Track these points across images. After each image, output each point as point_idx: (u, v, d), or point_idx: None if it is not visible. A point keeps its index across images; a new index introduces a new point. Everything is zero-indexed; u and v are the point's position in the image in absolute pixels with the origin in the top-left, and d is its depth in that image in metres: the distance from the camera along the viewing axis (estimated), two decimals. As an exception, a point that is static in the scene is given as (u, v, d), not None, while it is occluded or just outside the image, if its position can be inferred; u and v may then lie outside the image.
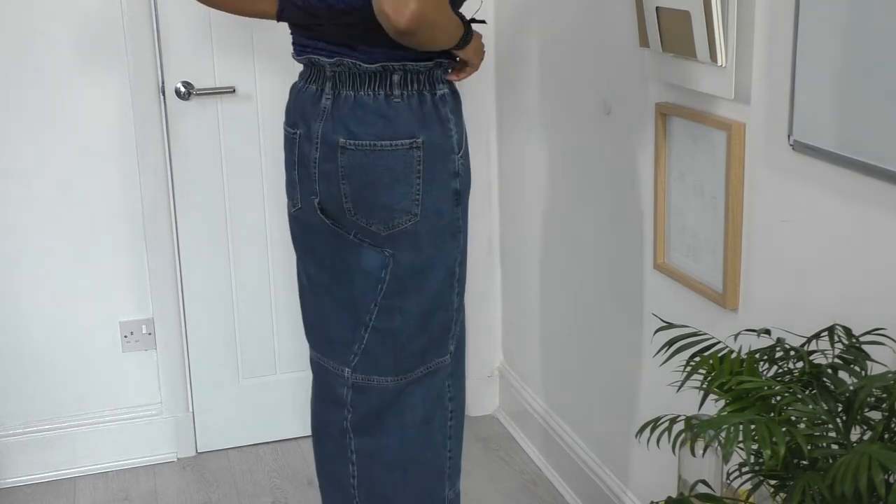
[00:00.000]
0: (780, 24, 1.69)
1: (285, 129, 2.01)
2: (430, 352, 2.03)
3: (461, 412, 2.15)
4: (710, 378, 1.35)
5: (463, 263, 2.05)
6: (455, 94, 1.97)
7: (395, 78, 1.87)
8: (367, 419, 2.02)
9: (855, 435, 1.29)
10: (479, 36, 1.97)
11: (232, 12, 2.15)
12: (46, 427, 2.94)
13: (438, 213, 1.95)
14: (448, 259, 2.00)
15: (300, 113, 1.95)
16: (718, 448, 1.25)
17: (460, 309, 2.08)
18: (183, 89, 2.82)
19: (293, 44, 1.99)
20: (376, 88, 1.87)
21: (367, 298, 1.96)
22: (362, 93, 1.87)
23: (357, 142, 1.87)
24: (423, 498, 2.11)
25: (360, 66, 1.86)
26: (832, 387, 1.31)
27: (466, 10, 1.95)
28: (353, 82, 1.87)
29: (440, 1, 1.72)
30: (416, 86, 1.88)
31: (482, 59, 2.01)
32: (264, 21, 2.12)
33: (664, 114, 2.07)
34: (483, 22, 2.00)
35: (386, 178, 1.88)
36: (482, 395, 3.26)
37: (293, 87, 2.01)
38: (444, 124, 1.93)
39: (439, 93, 1.91)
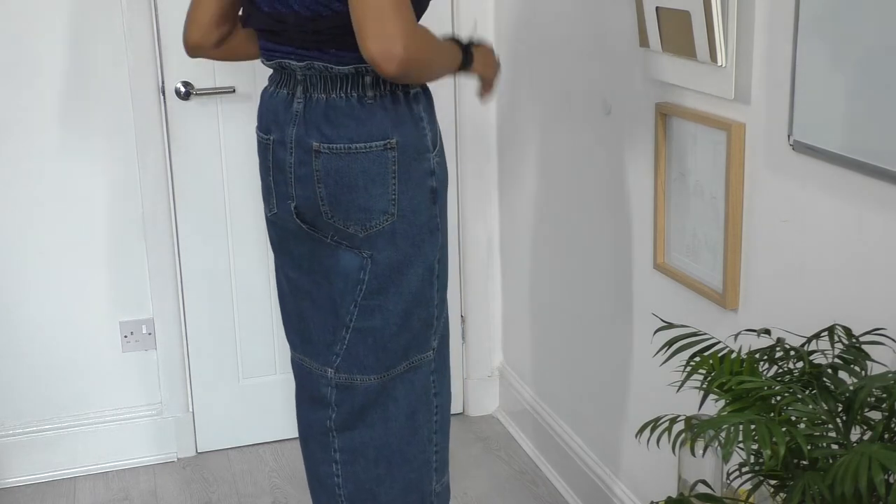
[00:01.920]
0: (780, 24, 1.69)
1: (258, 135, 2.01)
2: (412, 348, 2.04)
3: (447, 407, 2.16)
4: (710, 378, 1.35)
5: (443, 260, 2.04)
6: (427, 93, 1.96)
7: (368, 79, 1.86)
8: (350, 417, 2.03)
9: (855, 435, 1.29)
10: (488, 50, 2.01)
11: (236, 59, 2.18)
12: (46, 427, 2.94)
13: (415, 212, 1.95)
14: (427, 256, 2.00)
15: (273, 118, 1.95)
16: (718, 448, 1.25)
17: (442, 305, 2.08)
18: (183, 89, 2.83)
19: (262, 49, 1.99)
20: (348, 90, 1.87)
21: (347, 299, 1.97)
22: (334, 95, 1.87)
23: (331, 145, 1.88)
24: (409, 492, 2.11)
25: (331, 68, 1.86)
26: (832, 387, 1.31)
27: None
28: (324, 85, 1.87)
29: (425, 40, 1.77)
30: (388, 85, 1.88)
31: (496, 71, 2.04)
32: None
33: (664, 114, 2.07)
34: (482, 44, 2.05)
35: (362, 180, 1.89)
36: (482, 395, 3.26)
37: (264, 92, 2.01)
38: (418, 123, 1.93)
39: (412, 91, 1.91)
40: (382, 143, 1.88)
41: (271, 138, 1.96)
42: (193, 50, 2.09)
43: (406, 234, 1.95)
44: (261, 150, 2.01)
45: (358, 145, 1.88)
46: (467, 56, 1.95)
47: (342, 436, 2.04)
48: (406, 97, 1.90)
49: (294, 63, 1.89)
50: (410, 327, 2.02)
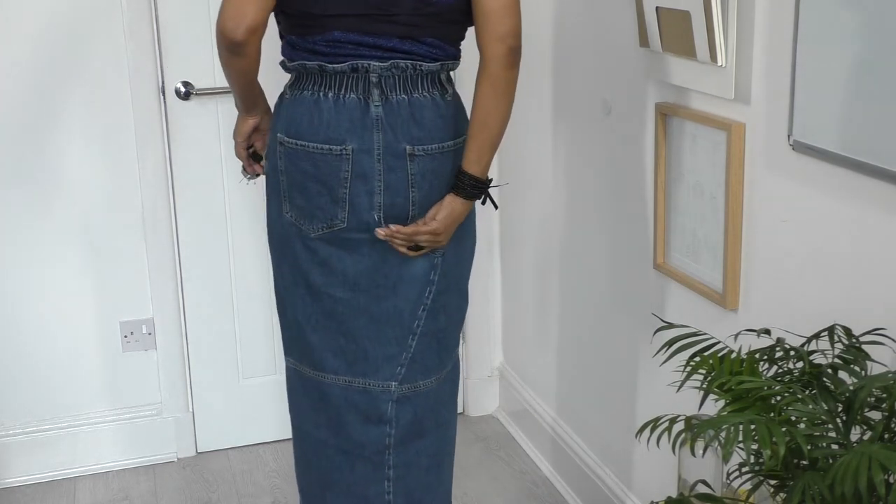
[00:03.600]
0: (780, 24, 1.69)
1: (319, 148, 1.86)
2: (456, 343, 2.08)
3: None
4: (710, 378, 1.35)
5: None
6: None
7: (444, 76, 1.89)
8: (409, 430, 2.00)
9: (855, 435, 1.29)
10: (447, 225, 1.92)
11: (248, 75, 1.97)
12: (46, 427, 2.94)
13: (473, 206, 1.99)
14: (473, 249, 2.06)
15: (348, 126, 1.84)
16: (718, 448, 1.25)
17: None
18: (183, 89, 2.83)
19: (326, 53, 1.84)
20: (430, 88, 1.87)
21: (416, 305, 1.95)
22: (417, 95, 1.86)
23: (426, 147, 1.86)
24: (446, 493, 2.13)
25: (419, 66, 1.84)
26: (832, 387, 1.31)
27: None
28: (404, 85, 1.85)
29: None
30: (452, 83, 1.93)
31: (432, 239, 1.92)
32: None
33: (664, 114, 2.07)
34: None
35: (451, 178, 1.91)
36: (482, 395, 3.25)
37: (318, 100, 1.86)
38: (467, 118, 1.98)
39: (455, 89, 1.96)
40: (462, 139, 1.90)
41: (349, 147, 1.85)
42: (249, 32, 1.79)
43: (467, 228, 1.99)
44: (328, 162, 1.86)
45: (448, 143, 1.90)
46: (484, 188, 1.91)
47: (398, 450, 2.00)
48: (455, 92, 1.94)
49: (375, 64, 1.82)
50: (460, 321, 2.07)
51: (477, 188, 1.89)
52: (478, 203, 2.00)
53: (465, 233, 2.00)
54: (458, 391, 2.15)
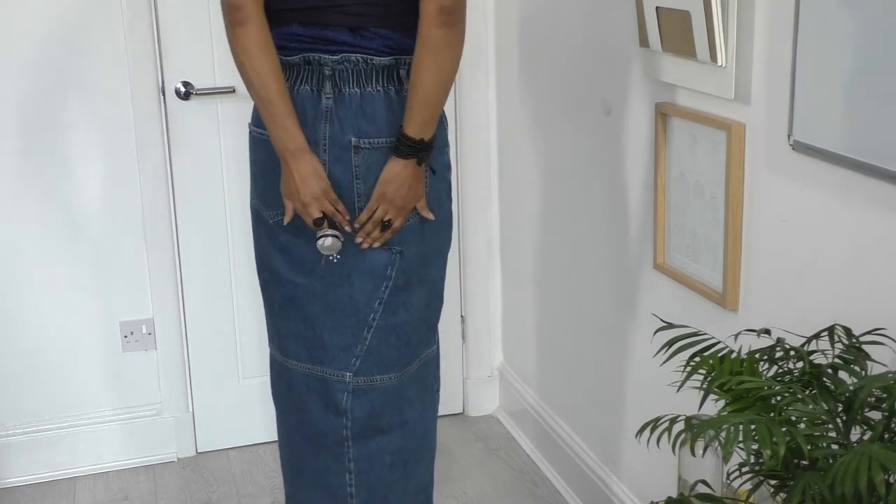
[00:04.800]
0: (780, 24, 1.69)
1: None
2: (423, 342, 2.05)
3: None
4: (710, 378, 1.35)
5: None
6: None
7: (402, 72, 1.87)
8: (367, 424, 2.00)
9: (855, 435, 1.29)
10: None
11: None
12: (46, 427, 2.94)
13: (440, 204, 1.97)
14: (445, 248, 2.04)
15: (299, 117, 1.88)
16: (718, 448, 1.25)
17: None
18: (183, 89, 2.83)
19: (279, 46, 1.88)
20: (385, 83, 1.86)
21: (371, 298, 1.94)
22: (370, 89, 1.85)
23: (372, 140, 1.86)
24: (419, 493, 2.11)
25: (370, 60, 1.84)
26: (832, 387, 1.31)
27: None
28: (357, 79, 1.85)
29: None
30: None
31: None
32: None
33: (664, 114, 2.07)
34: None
35: None
36: (482, 395, 3.25)
37: None
38: (440, 116, 1.94)
39: None
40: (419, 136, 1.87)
41: None
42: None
43: (432, 226, 1.97)
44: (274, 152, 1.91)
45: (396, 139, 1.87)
46: (426, 148, 1.85)
47: (358, 444, 2.00)
48: None
49: (325, 57, 1.84)
50: (428, 320, 2.04)
51: (411, 148, 1.84)
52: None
53: (429, 231, 1.97)
54: (430, 392, 2.11)
